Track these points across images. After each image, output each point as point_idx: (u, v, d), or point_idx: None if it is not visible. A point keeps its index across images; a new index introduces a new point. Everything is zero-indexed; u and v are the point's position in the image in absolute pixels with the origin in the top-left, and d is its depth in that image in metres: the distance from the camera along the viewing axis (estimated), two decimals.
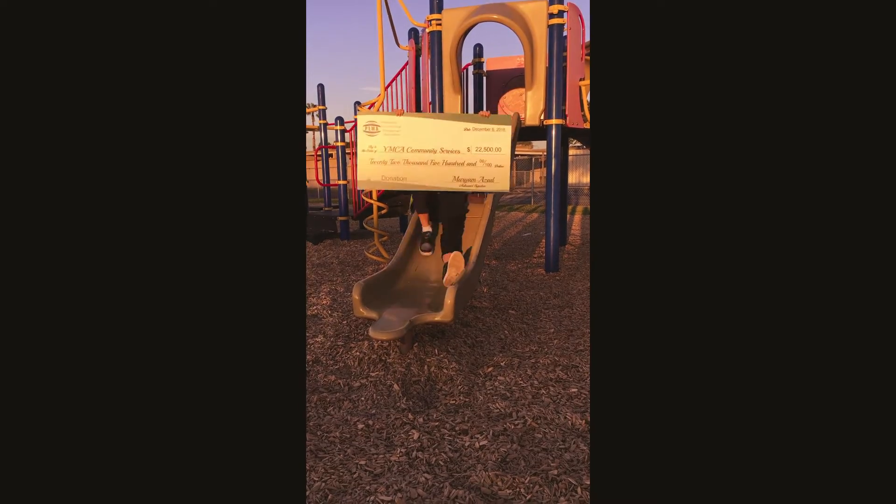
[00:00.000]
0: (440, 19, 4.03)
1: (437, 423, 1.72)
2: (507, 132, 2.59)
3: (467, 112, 4.74)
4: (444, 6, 4.10)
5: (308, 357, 2.31)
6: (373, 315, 2.26)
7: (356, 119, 5.90)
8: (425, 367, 2.19)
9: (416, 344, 2.41)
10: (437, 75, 4.03)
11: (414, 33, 4.84)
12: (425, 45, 4.38)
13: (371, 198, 4.82)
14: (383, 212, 4.77)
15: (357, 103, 6.41)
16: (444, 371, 2.14)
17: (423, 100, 4.70)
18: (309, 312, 3.01)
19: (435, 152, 2.63)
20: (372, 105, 4.85)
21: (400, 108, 2.65)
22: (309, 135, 9.87)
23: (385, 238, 4.69)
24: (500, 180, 2.69)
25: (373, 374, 2.13)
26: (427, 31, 4.08)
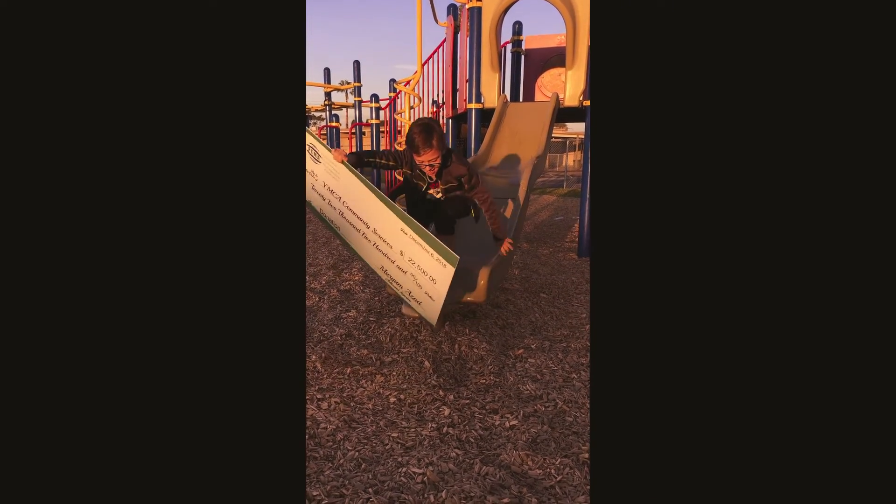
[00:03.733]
0: None
1: (467, 402, 1.73)
2: (448, 272, 1.97)
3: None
4: None
5: (341, 331, 2.35)
6: None
7: (391, 95, 5.86)
8: (456, 345, 2.20)
9: (448, 323, 2.42)
10: (475, 53, 3.97)
11: (453, 9, 4.76)
12: (464, 21, 4.31)
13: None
14: None
15: (392, 80, 6.38)
16: (475, 350, 2.15)
17: (461, 77, 4.64)
18: (342, 288, 3.06)
19: (368, 227, 2.13)
20: (408, 83, 4.83)
21: (343, 150, 2.23)
22: (343, 112, 9.90)
23: None
24: (428, 312, 2.12)
25: (404, 350, 2.16)
26: (467, 7, 4.01)
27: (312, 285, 3.10)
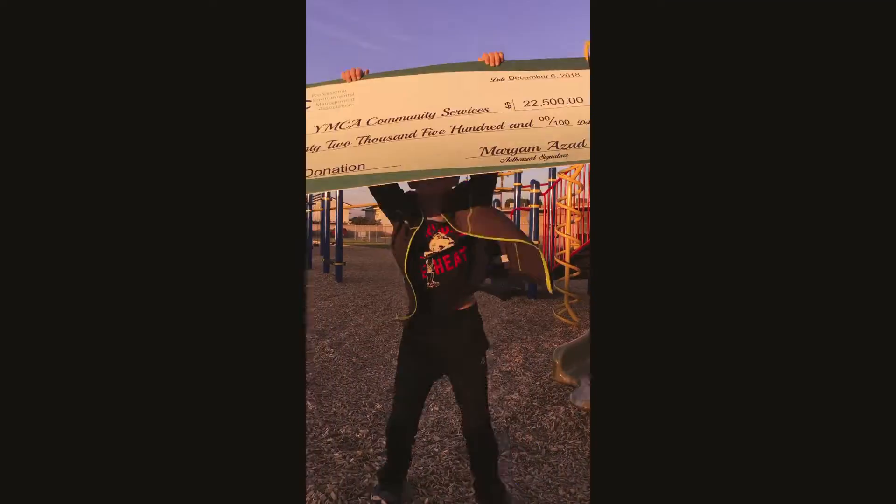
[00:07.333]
0: None
1: None
2: (584, 79, 1.39)
3: None
4: None
5: (505, 413, 2.42)
6: (573, 381, 2.28)
7: (550, 181, 6.02)
8: None
9: None
10: None
11: None
12: None
13: (563, 259, 4.90)
14: (575, 274, 4.79)
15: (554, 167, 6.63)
16: None
17: None
18: (503, 369, 3.15)
19: (431, 117, 1.33)
20: (569, 171, 5.01)
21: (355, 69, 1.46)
22: (500, 196, 10.47)
23: (575, 300, 4.69)
24: (577, 151, 1.27)
25: (570, 442, 2.14)
26: None
27: None
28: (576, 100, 1.35)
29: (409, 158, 1.26)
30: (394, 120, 1.34)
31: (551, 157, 1.26)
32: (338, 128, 1.34)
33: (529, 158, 1.25)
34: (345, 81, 1.43)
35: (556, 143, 1.28)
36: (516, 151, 1.25)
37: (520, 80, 1.39)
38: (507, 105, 1.35)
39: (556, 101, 1.35)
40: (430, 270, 1.42)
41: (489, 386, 2.83)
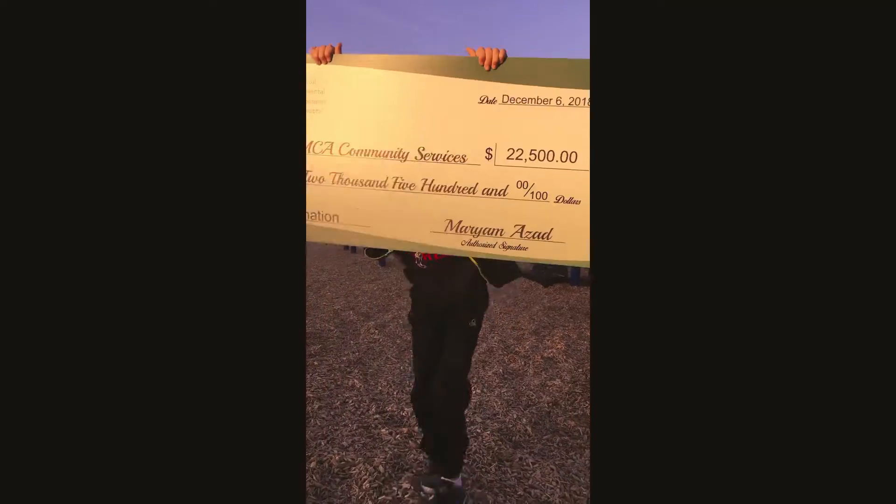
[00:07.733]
0: None
1: None
2: (585, 108, 1.18)
3: None
4: None
5: (548, 399, 2.45)
6: None
7: None
8: None
9: None
10: None
11: None
12: None
13: None
14: None
15: None
16: None
17: None
18: (545, 355, 3.18)
19: (405, 159, 1.26)
20: None
21: (327, 45, 1.28)
22: None
23: None
24: (572, 237, 1.21)
25: None
26: None
27: (517, 349, 3.29)
28: (569, 156, 1.18)
29: (379, 219, 1.27)
30: (366, 153, 1.27)
31: (511, 247, 1.23)
32: (311, 150, 1.30)
33: (489, 245, 1.23)
34: (312, 61, 1.29)
35: (522, 228, 1.22)
36: (479, 233, 1.23)
37: (514, 104, 1.20)
38: (488, 154, 1.22)
39: (546, 156, 1.20)
40: (418, 256, 1.50)
41: (530, 371, 2.86)
